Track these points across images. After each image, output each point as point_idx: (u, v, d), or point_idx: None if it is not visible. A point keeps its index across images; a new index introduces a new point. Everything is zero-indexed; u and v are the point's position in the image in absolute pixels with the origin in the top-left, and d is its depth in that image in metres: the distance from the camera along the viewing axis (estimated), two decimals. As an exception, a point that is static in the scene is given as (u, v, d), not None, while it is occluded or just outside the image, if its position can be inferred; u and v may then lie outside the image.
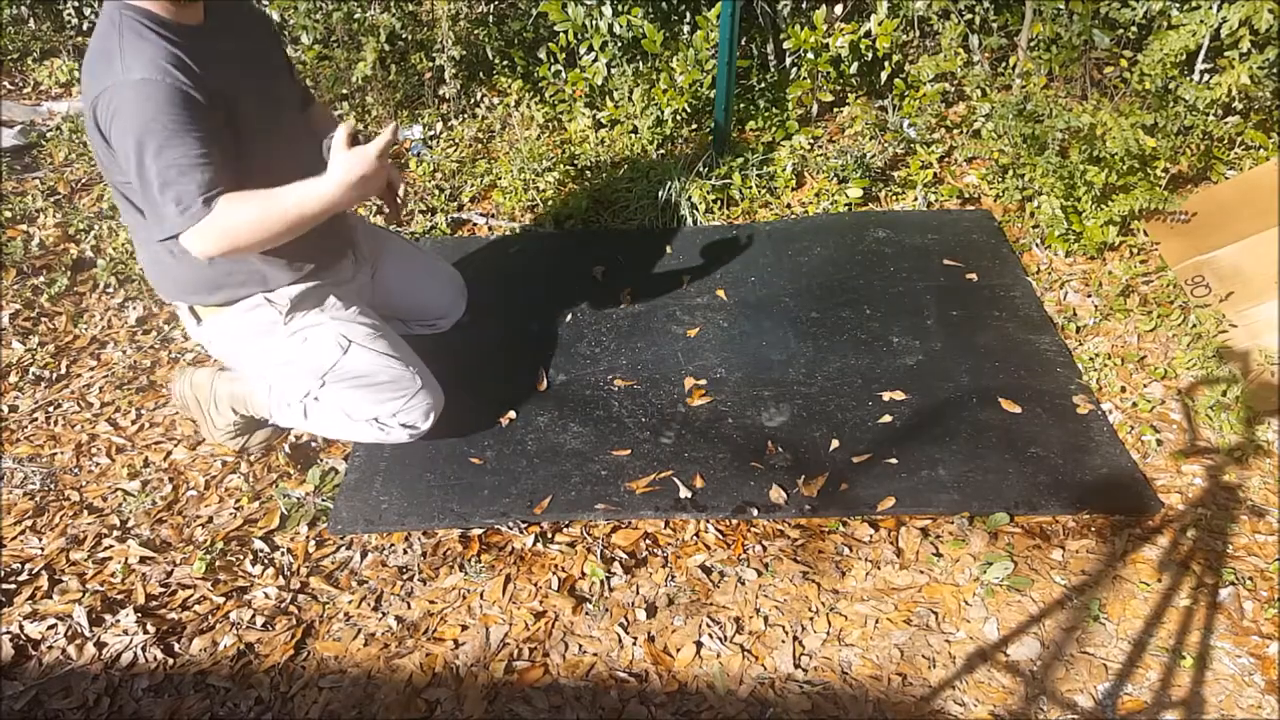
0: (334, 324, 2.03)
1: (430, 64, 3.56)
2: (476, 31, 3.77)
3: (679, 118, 3.31)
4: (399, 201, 1.99)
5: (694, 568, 1.99)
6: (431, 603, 1.95)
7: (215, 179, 1.65)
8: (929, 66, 3.03)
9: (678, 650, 1.83)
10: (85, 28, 4.21)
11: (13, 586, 1.98)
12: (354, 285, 2.16)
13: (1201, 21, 2.48)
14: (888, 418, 2.30)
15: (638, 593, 1.94)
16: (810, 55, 3.18)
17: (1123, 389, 2.37)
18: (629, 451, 2.24)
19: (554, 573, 1.99)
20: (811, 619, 1.87)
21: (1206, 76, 2.77)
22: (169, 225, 1.66)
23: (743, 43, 3.40)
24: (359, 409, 2.11)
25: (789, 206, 3.08)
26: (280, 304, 1.97)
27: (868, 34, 3.17)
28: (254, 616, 1.93)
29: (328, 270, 2.05)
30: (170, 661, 1.85)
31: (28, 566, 2.04)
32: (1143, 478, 2.13)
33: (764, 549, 2.02)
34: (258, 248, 1.75)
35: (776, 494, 2.10)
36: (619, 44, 3.31)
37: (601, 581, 1.96)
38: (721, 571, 1.98)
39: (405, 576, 2.01)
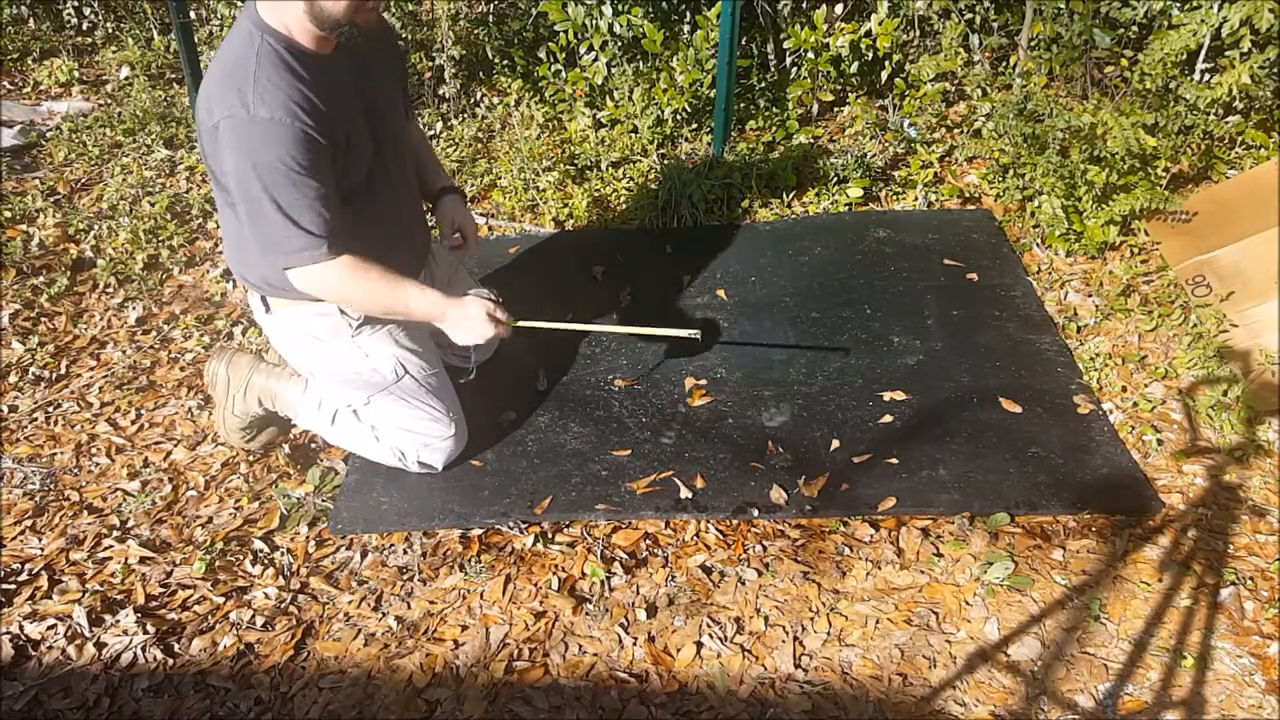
0: (396, 349, 2.05)
1: (430, 63, 3.56)
2: (476, 31, 3.77)
3: (679, 117, 3.31)
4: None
5: (694, 568, 1.99)
6: (431, 603, 1.95)
7: (333, 220, 1.72)
8: (929, 66, 3.03)
9: (678, 650, 1.83)
10: (85, 27, 4.21)
11: (13, 586, 1.98)
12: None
13: (1202, 21, 2.47)
14: (888, 418, 2.29)
15: (638, 593, 1.94)
16: (810, 55, 3.18)
17: (1123, 389, 2.37)
18: (629, 452, 2.24)
19: (554, 573, 1.99)
20: (812, 619, 1.87)
21: (1207, 76, 2.77)
22: (287, 258, 1.73)
23: (743, 42, 3.39)
24: (388, 435, 2.13)
25: (789, 206, 3.08)
26: (352, 315, 1.99)
27: (868, 33, 3.17)
28: (254, 617, 1.93)
29: None
30: (170, 662, 1.85)
31: (28, 566, 2.03)
32: (1143, 477, 2.13)
33: (764, 549, 2.02)
34: (353, 307, 1.93)
35: (777, 494, 2.10)
36: (619, 43, 3.30)
37: (602, 582, 1.96)
38: (722, 571, 1.98)
39: (405, 577, 2.01)
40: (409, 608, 1.94)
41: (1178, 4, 2.66)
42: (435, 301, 1.89)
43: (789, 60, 3.43)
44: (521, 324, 2.02)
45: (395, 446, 2.13)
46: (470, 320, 1.91)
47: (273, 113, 1.61)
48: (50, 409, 2.47)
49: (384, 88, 1.92)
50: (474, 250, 2.19)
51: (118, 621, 1.91)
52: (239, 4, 3.83)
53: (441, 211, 2.17)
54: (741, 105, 3.40)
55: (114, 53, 4.04)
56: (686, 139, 3.31)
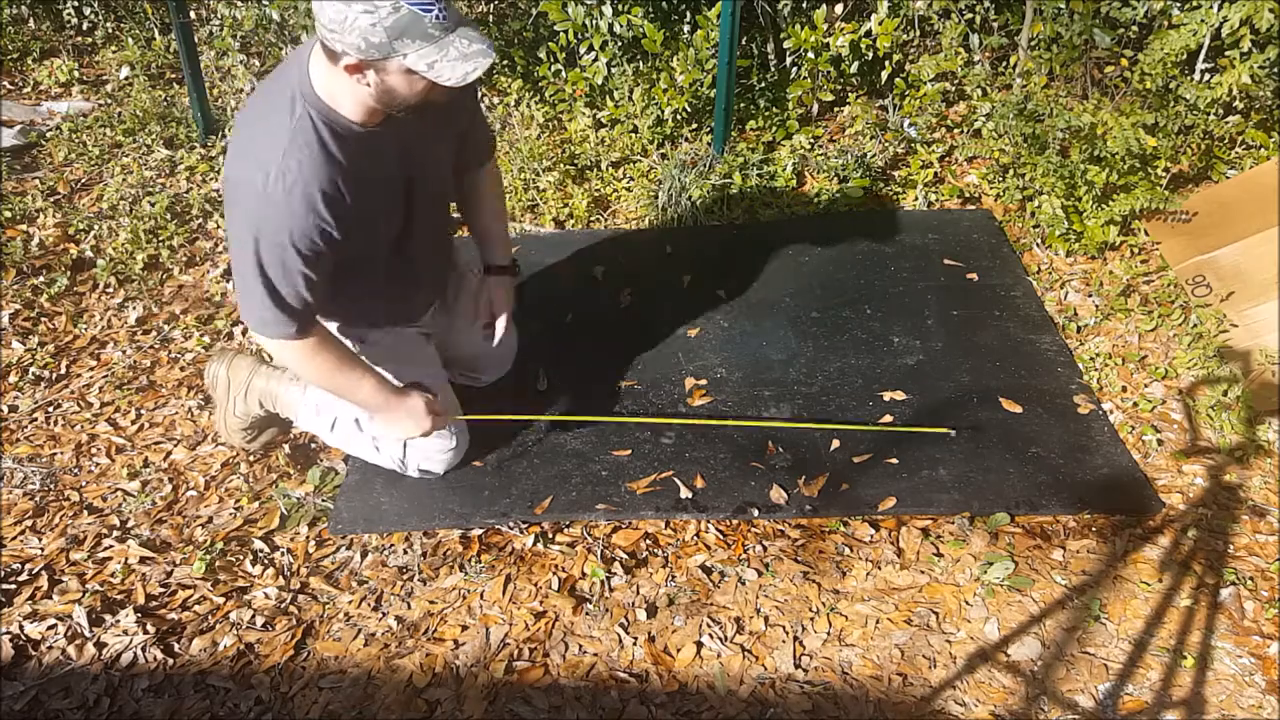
0: (399, 366, 2.03)
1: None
2: (476, 31, 3.76)
3: (679, 117, 3.31)
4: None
5: (694, 568, 1.99)
6: (432, 603, 1.95)
7: (314, 304, 1.69)
8: (929, 66, 3.03)
9: (678, 650, 1.83)
10: (85, 27, 4.21)
11: (13, 586, 1.98)
12: (426, 328, 2.17)
13: (1202, 21, 2.47)
14: (888, 418, 2.29)
15: (638, 593, 1.94)
16: (810, 55, 3.18)
17: (1124, 389, 2.37)
18: (629, 452, 2.24)
19: (554, 573, 1.99)
20: (812, 619, 1.87)
21: (1207, 76, 2.77)
22: (256, 325, 1.71)
23: (743, 42, 3.39)
24: (389, 446, 2.12)
25: (789, 206, 3.08)
26: (349, 342, 1.98)
27: (868, 33, 3.17)
28: (254, 617, 1.93)
29: (412, 323, 2.07)
30: (170, 662, 1.85)
31: (28, 566, 2.03)
32: (1144, 477, 2.13)
33: (764, 549, 2.02)
34: (304, 379, 1.88)
35: (777, 494, 2.10)
36: (619, 43, 3.30)
37: (602, 582, 1.96)
38: (722, 571, 1.98)
39: (405, 577, 2.01)
40: (409, 608, 1.94)
41: (1178, 4, 2.66)
42: (384, 399, 1.86)
43: (789, 60, 3.43)
44: (471, 418, 2.08)
45: (395, 456, 2.13)
46: (412, 414, 1.89)
47: (290, 198, 1.55)
48: (50, 409, 2.47)
49: (433, 150, 1.82)
50: (501, 336, 2.18)
51: (118, 621, 1.91)
52: (239, 4, 3.83)
53: (483, 289, 2.14)
54: (741, 105, 3.39)
55: (114, 53, 4.04)
56: (686, 139, 3.31)
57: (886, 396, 2.35)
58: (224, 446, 2.33)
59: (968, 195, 3.07)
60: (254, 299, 1.65)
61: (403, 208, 1.81)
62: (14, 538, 2.11)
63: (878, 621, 1.86)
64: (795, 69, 3.40)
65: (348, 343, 1.97)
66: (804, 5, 3.33)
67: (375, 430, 1.94)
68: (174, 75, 3.91)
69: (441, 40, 1.45)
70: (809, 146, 3.24)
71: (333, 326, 1.94)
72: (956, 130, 3.25)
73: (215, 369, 2.25)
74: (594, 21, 3.19)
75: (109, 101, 3.78)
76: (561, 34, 3.24)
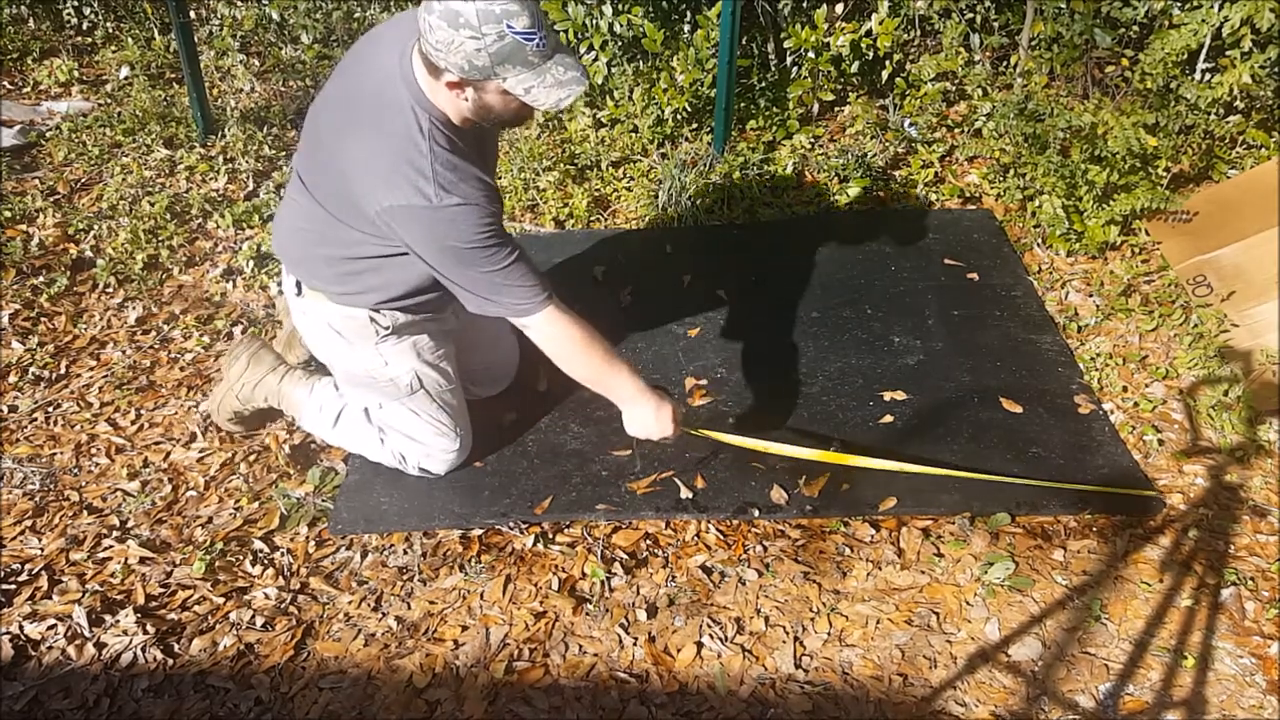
0: (417, 362, 2.04)
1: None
2: (476, 31, 3.76)
3: (679, 117, 3.31)
4: None
5: (695, 568, 1.99)
6: (432, 603, 1.95)
7: (537, 268, 1.80)
8: (930, 65, 3.03)
9: (678, 650, 1.83)
10: (85, 27, 4.21)
11: (13, 587, 1.98)
12: (450, 325, 2.16)
13: (1203, 21, 2.47)
14: (889, 418, 2.29)
15: (638, 593, 1.94)
16: (811, 54, 3.18)
17: (1124, 389, 2.37)
18: (629, 451, 2.24)
19: (554, 573, 1.99)
20: (812, 619, 1.87)
21: (1208, 76, 2.77)
22: (514, 310, 1.80)
23: (743, 42, 3.39)
24: (393, 440, 2.14)
25: (789, 206, 3.08)
26: (382, 324, 1.98)
27: (868, 33, 3.17)
28: (254, 617, 1.93)
29: (441, 312, 2.07)
30: (170, 662, 1.84)
31: (27, 567, 2.03)
32: (1144, 478, 2.12)
33: (765, 549, 2.02)
34: (569, 367, 1.91)
35: (778, 494, 2.10)
36: (619, 43, 3.30)
37: (602, 582, 1.96)
38: (722, 572, 1.98)
39: (405, 577, 2.01)
40: (409, 608, 1.94)
41: (1178, 3, 2.66)
42: (639, 389, 1.91)
43: (789, 60, 3.43)
44: (695, 433, 2.10)
45: (398, 451, 2.13)
46: (660, 417, 1.92)
47: (456, 199, 1.64)
48: (50, 409, 2.47)
49: (496, 140, 1.98)
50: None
51: (118, 622, 1.91)
52: (239, 4, 3.83)
53: None
54: (742, 105, 3.39)
55: (114, 52, 4.04)
56: (686, 139, 3.31)
57: (887, 396, 2.35)
58: (224, 449, 2.33)
59: (968, 195, 3.07)
60: (493, 292, 1.75)
61: None
62: (14, 538, 2.10)
63: (878, 622, 1.86)
64: (795, 69, 3.40)
65: (375, 328, 1.97)
66: (804, 5, 3.33)
67: (629, 428, 1.99)
68: (174, 75, 3.91)
69: (540, 67, 1.56)
70: (809, 146, 3.23)
71: (363, 312, 1.95)
72: (957, 130, 3.25)
73: (239, 353, 2.27)
74: (594, 21, 3.19)
75: (109, 101, 3.77)
76: (562, 33, 3.23)
